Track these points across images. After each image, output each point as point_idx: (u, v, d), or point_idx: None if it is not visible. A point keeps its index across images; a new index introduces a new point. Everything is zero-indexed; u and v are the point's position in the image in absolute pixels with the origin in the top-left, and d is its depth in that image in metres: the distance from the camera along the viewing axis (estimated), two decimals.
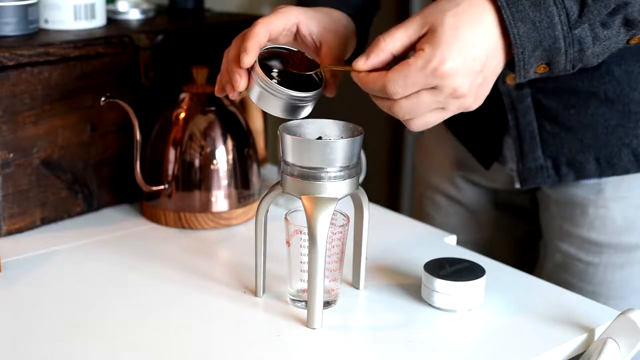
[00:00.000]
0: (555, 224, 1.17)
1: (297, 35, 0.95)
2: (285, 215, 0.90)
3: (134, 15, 1.24)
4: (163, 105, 1.13)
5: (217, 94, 0.96)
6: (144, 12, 1.25)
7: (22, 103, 1.04)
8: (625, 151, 1.08)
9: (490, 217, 1.28)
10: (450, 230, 1.20)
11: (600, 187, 1.10)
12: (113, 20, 1.22)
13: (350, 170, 0.85)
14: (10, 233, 1.07)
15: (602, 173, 1.09)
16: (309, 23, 0.94)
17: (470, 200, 1.27)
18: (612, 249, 1.11)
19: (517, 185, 1.15)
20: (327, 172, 0.83)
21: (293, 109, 0.88)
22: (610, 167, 1.09)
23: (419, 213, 1.36)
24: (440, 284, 0.89)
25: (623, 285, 1.12)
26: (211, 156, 1.10)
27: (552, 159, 1.11)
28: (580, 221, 1.13)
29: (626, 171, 1.08)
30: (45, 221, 1.10)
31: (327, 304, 0.90)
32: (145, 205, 1.14)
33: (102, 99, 1.04)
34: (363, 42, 1.02)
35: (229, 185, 1.11)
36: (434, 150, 1.32)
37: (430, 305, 0.91)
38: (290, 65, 0.91)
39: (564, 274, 1.14)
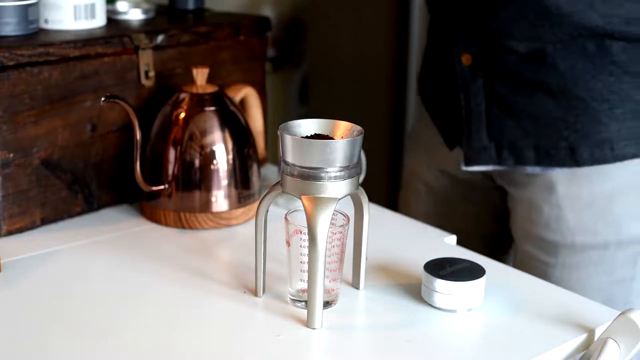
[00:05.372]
0: (518, 224, 1.20)
1: None
2: (285, 215, 0.90)
3: (134, 15, 1.24)
4: (163, 105, 1.13)
5: None
6: (144, 12, 1.25)
7: (22, 103, 1.04)
8: (563, 144, 1.10)
9: (463, 209, 1.31)
10: (424, 218, 1.22)
11: (552, 186, 1.13)
12: (113, 20, 1.22)
13: (350, 170, 0.85)
14: (10, 233, 1.07)
15: (539, 162, 1.12)
16: None
17: (443, 189, 1.30)
18: (567, 249, 1.13)
19: (463, 166, 1.17)
20: (327, 172, 0.83)
21: None
22: (547, 157, 1.11)
23: (403, 201, 1.38)
24: (440, 284, 0.89)
25: (579, 285, 1.13)
26: (211, 156, 1.10)
27: (495, 142, 1.14)
28: (537, 221, 1.15)
29: (562, 164, 1.11)
30: (45, 221, 1.10)
31: (327, 304, 0.90)
32: (145, 205, 1.14)
33: (102, 99, 1.04)
34: None
35: (229, 185, 1.11)
36: (419, 138, 1.35)
37: (430, 305, 0.91)
38: None
39: (529, 273, 1.16)
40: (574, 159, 1.10)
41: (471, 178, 1.26)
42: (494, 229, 1.30)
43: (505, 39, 1.10)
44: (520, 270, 1.14)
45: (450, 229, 1.17)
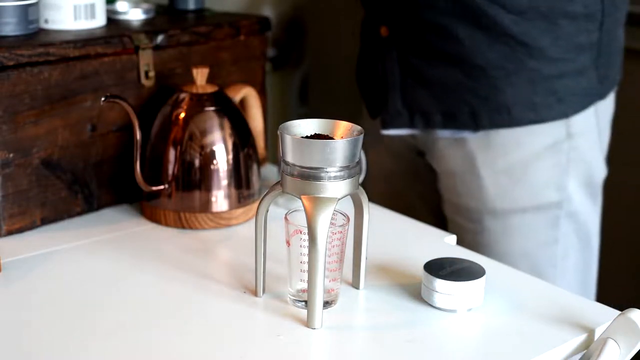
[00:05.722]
0: (446, 198, 1.29)
1: None
2: (285, 215, 0.90)
3: (134, 15, 1.24)
4: (163, 105, 1.13)
5: None
6: (144, 12, 1.25)
7: (22, 103, 1.04)
8: (465, 109, 1.19)
9: (411, 189, 1.40)
10: (379, 199, 1.28)
11: (472, 157, 1.22)
12: (113, 20, 1.22)
13: (350, 170, 0.85)
14: (10, 233, 1.07)
15: (445, 125, 1.21)
16: None
17: (393, 171, 1.38)
18: (490, 216, 1.22)
19: (381, 130, 1.27)
20: (327, 172, 0.83)
21: None
22: (452, 120, 1.21)
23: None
24: (440, 284, 0.89)
25: (506, 251, 1.23)
26: (211, 156, 1.10)
27: (408, 108, 1.23)
28: (461, 191, 1.25)
29: (465, 127, 1.20)
30: (45, 221, 1.10)
31: (327, 304, 0.90)
32: (145, 205, 1.14)
33: (102, 99, 1.04)
34: None
35: (229, 185, 1.11)
36: (366, 125, 1.42)
37: (430, 305, 0.91)
38: None
39: (461, 245, 1.23)
40: (475, 122, 1.19)
41: (412, 159, 1.35)
42: (440, 207, 1.36)
43: (414, 10, 1.20)
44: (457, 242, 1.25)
45: (402, 207, 1.24)
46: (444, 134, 1.24)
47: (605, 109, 1.27)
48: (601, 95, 1.25)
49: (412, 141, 1.31)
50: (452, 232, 1.28)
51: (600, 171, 1.29)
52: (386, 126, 1.27)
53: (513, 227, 1.22)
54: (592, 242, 1.31)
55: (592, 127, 1.24)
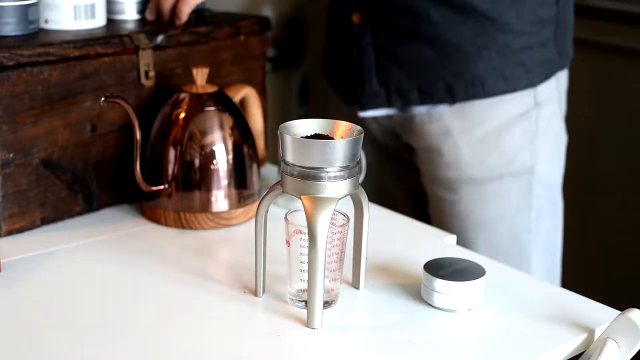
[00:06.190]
0: (425, 172, 1.33)
1: None
2: (285, 215, 0.90)
3: (134, 15, 1.24)
4: (163, 105, 1.13)
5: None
6: (144, 12, 1.25)
7: (22, 103, 1.04)
8: (441, 84, 1.25)
9: (390, 170, 1.44)
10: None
11: (448, 130, 1.27)
12: (113, 20, 1.22)
13: (350, 170, 0.85)
14: (10, 233, 1.07)
15: (422, 101, 1.27)
16: None
17: (371, 154, 1.39)
18: (467, 184, 1.28)
19: (359, 113, 1.31)
20: (327, 172, 0.83)
21: None
22: (429, 96, 1.26)
23: None
24: (440, 284, 0.89)
25: (484, 218, 1.29)
26: (211, 156, 1.10)
27: (385, 88, 1.28)
28: (438, 163, 1.30)
29: (441, 100, 1.27)
30: (45, 221, 1.10)
31: (327, 304, 0.90)
32: (145, 205, 1.14)
33: (102, 99, 1.04)
34: None
35: (229, 185, 1.11)
36: (337, 111, 1.47)
37: (430, 305, 0.91)
38: None
39: (441, 216, 1.31)
40: (451, 96, 1.25)
41: (388, 142, 1.39)
42: (419, 188, 1.40)
43: None
44: (437, 214, 1.32)
45: (381, 189, 1.28)
46: (420, 110, 1.29)
47: (563, 80, 1.37)
48: (561, 66, 1.34)
49: (388, 123, 1.35)
50: (432, 206, 1.34)
51: (562, 136, 1.37)
52: (364, 107, 1.31)
53: (490, 194, 1.28)
54: (558, 206, 1.38)
55: (554, 95, 1.33)
